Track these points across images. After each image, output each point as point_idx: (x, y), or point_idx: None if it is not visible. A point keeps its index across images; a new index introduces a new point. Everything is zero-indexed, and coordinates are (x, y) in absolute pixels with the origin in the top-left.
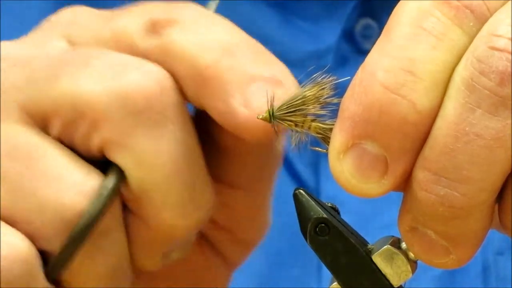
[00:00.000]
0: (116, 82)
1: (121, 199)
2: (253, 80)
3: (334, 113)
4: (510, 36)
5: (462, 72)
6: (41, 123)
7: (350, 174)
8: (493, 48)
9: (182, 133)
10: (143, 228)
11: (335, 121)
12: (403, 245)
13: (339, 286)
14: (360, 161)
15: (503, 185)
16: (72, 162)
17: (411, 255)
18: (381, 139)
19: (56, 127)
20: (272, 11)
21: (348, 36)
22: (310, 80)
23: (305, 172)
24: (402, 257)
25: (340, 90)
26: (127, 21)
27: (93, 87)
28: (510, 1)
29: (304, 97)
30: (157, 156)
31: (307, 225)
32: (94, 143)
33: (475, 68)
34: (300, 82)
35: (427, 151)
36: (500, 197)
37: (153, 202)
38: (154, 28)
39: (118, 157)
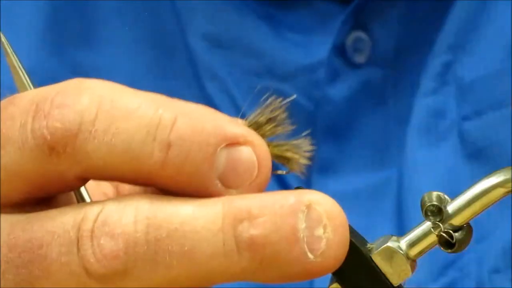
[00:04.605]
0: None
1: None
2: None
3: (289, 134)
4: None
5: None
6: None
7: None
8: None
9: None
10: None
11: (289, 141)
12: (403, 244)
13: (338, 286)
14: None
15: None
16: None
17: (411, 254)
18: None
19: None
20: (263, 24)
21: (339, 49)
22: (260, 104)
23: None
24: (401, 256)
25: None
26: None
27: None
28: None
29: (256, 123)
30: None
31: None
32: None
33: None
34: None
35: None
36: None
37: None
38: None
39: None
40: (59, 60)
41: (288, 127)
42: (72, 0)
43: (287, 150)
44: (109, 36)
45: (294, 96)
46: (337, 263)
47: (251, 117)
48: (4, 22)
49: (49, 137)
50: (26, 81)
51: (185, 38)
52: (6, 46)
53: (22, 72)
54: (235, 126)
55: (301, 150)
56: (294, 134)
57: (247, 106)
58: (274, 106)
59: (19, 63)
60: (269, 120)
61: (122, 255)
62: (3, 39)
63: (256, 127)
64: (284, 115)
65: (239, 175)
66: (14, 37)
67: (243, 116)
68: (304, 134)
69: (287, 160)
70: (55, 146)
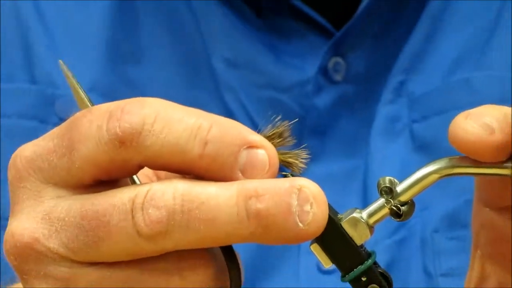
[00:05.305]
0: None
1: None
2: None
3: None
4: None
5: None
6: None
7: None
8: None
9: None
10: None
11: (291, 151)
12: (364, 215)
13: (317, 245)
14: None
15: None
16: None
17: (370, 222)
18: None
19: None
20: (268, 50)
21: (323, 70)
22: (272, 122)
23: None
24: (363, 223)
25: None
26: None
27: None
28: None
29: (268, 136)
30: None
31: None
32: None
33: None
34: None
35: None
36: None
37: None
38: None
39: None
40: (115, 75)
41: (291, 142)
42: (125, 26)
43: (290, 157)
44: (152, 56)
45: (296, 119)
46: (320, 230)
47: (265, 131)
48: (71, 45)
49: (120, 134)
50: (86, 97)
51: (209, 59)
52: (66, 71)
53: (81, 91)
54: (255, 135)
55: (300, 157)
56: (292, 135)
57: (256, 113)
58: (282, 126)
59: (78, 84)
60: (278, 136)
61: (165, 221)
62: (63, 66)
63: (268, 139)
64: (289, 133)
65: (255, 169)
66: (80, 57)
67: (259, 131)
68: (302, 146)
69: (290, 164)
70: (125, 140)
